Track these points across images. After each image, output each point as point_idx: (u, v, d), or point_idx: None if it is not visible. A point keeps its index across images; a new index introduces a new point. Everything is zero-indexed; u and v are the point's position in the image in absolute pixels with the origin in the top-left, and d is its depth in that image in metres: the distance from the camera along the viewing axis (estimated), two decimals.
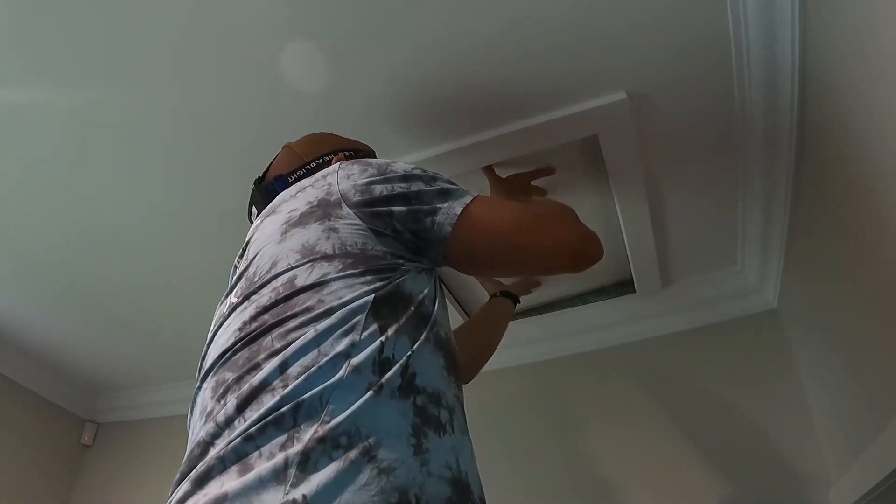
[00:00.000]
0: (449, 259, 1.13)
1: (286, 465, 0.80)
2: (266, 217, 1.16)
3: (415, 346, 0.97)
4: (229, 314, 1.04)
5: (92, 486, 3.01)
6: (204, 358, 1.05)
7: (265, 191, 1.34)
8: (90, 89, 1.60)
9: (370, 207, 1.07)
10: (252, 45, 1.47)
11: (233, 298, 1.08)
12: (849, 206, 1.41)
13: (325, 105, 1.59)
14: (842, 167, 1.39)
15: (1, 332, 2.70)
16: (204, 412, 0.95)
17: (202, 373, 1.02)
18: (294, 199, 1.13)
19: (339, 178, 1.12)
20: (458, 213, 1.09)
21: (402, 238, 1.08)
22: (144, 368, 2.92)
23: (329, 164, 1.35)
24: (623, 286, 2.16)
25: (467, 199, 1.11)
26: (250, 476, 0.80)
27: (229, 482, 0.80)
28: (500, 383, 2.29)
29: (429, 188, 1.11)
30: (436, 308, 1.08)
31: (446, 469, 0.90)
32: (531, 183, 1.75)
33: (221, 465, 0.83)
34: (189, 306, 2.41)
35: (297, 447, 0.82)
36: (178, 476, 0.89)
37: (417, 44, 1.45)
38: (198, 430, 0.94)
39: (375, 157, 1.45)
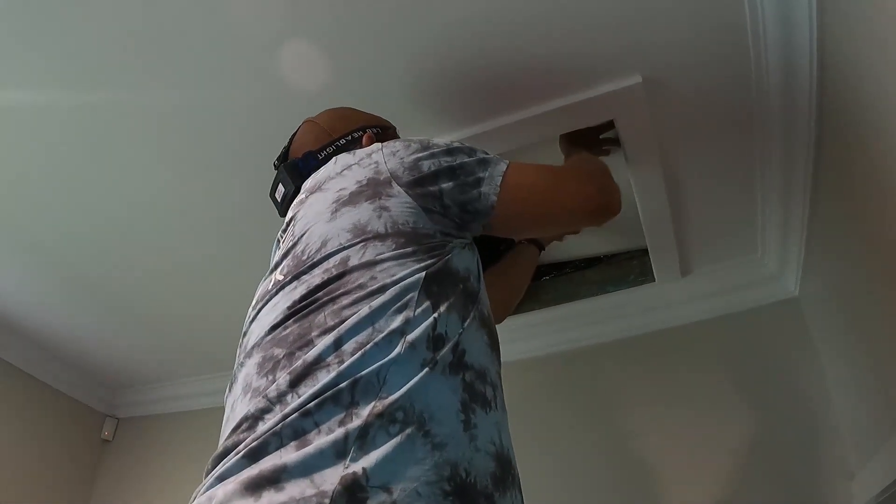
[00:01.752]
0: (492, 226, 1.17)
1: (346, 439, 0.82)
2: (311, 193, 1.16)
3: (465, 324, 1.00)
4: (276, 292, 1.05)
5: (113, 480, 3.03)
6: (246, 335, 1.07)
7: (294, 168, 1.34)
8: (99, 90, 1.63)
9: (421, 186, 1.09)
10: (258, 39, 1.48)
11: (279, 276, 1.08)
12: (870, 192, 1.39)
13: (339, 94, 1.58)
14: (862, 152, 1.37)
15: (22, 328, 2.73)
16: (248, 388, 0.96)
17: (246, 349, 1.03)
18: (341, 178, 1.14)
19: (385, 155, 1.14)
20: (500, 181, 1.13)
21: (450, 213, 1.11)
22: (164, 363, 2.93)
23: (360, 140, 1.36)
24: (642, 275, 2.15)
25: (503, 167, 1.15)
26: (309, 449, 0.82)
27: (287, 455, 0.82)
28: (520, 374, 2.27)
29: (471, 159, 1.15)
30: (481, 285, 1.11)
31: (490, 444, 0.93)
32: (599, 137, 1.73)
33: (278, 440, 0.85)
34: (208, 300, 2.44)
35: (356, 422, 0.84)
36: (219, 451, 0.89)
37: (430, 34, 1.45)
38: (242, 405, 0.95)
39: (398, 134, 1.46)
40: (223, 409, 2.79)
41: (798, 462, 1.85)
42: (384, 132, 1.40)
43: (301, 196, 1.20)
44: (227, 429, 0.95)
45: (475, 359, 0.99)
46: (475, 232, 1.17)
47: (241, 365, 1.02)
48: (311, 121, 1.43)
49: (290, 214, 1.20)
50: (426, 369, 0.91)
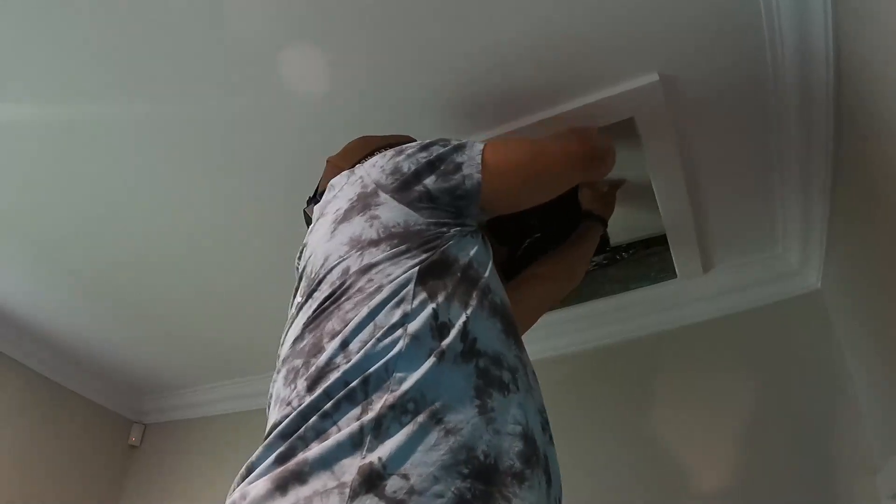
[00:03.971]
0: (487, 205, 1.19)
1: (361, 431, 0.86)
2: (317, 220, 1.22)
3: (469, 311, 1.03)
4: (297, 313, 1.11)
5: (141, 486, 3.06)
6: (279, 356, 1.11)
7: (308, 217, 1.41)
8: (116, 100, 1.66)
9: (406, 189, 1.13)
10: (271, 50, 1.51)
11: (298, 298, 1.15)
12: (890, 182, 1.38)
13: (355, 108, 1.64)
14: (881, 142, 1.37)
15: (49, 337, 2.76)
16: (278, 399, 1.01)
17: (277, 367, 1.08)
18: (336, 199, 1.20)
19: (367, 169, 1.19)
20: (479, 160, 1.17)
21: (441, 204, 1.14)
22: (190, 369, 2.96)
23: None
24: (664, 272, 2.15)
25: (480, 146, 1.20)
26: (329, 443, 0.86)
27: (309, 451, 0.86)
28: (542, 373, 2.25)
29: (446, 149, 1.19)
30: (487, 272, 1.13)
31: (515, 425, 0.97)
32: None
33: (303, 443, 0.89)
34: (232, 307, 2.47)
35: (370, 415, 0.88)
36: (252, 458, 0.92)
37: (448, 38, 1.46)
38: (273, 415, 1.00)
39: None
40: (249, 413, 2.82)
41: (822, 456, 1.84)
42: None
43: (312, 225, 1.26)
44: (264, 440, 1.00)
45: (488, 345, 1.03)
46: (475, 217, 1.20)
47: (274, 382, 1.07)
48: (329, 161, 1.47)
49: (304, 241, 1.26)
50: (434, 359, 0.95)
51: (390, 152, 1.20)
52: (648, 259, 2.13)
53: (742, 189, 1.86)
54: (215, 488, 2.79)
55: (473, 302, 1.05)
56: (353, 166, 1.36)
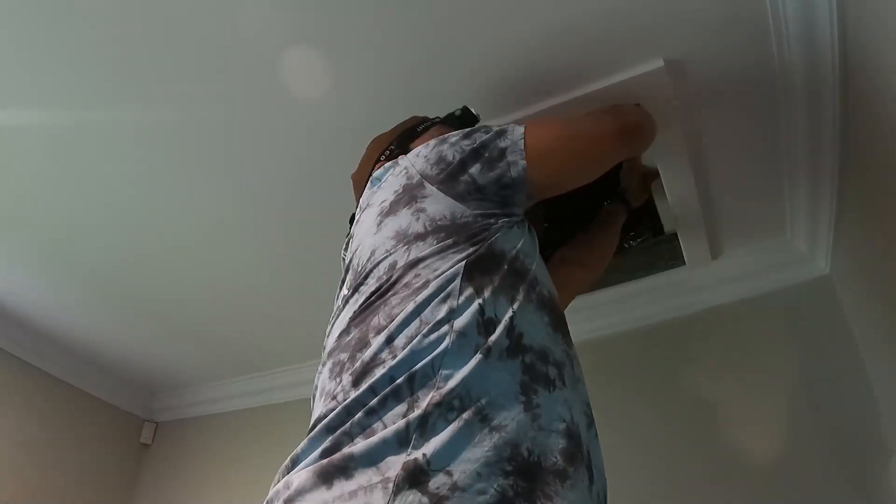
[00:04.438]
0: (534, 190, 1.18)
1: (407, 429, 0.87)
2: (363, 211, 1.22)
3: (515, 306, 1.02)
4: (344, 305, 1.12)
5: (153, 485, 3.09)
6: (324, 348, 1.12)
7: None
8: (123, 108, 1.69)
9: (452, 179, 1.13)
10: (277, 55, 1.53)
11: (345, 291, 1.15)
12: None
13: (361, 106, 1.65)
14: (888, 124, 1.37)
15: (58, 337, 2.79)
16: (323, 392, 1.01)
17: (323, 360, 1.09)
18: (381, 191, 1.20)
19: (411, 160, 1.19)
20: (522, 145, 1.16)
21: (487, 193, 1.13)
22: (200, 366, 2.98)
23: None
24: (672, 259, 2.14)
25: (521, 130, 1.19)
26: (374, 439, 0.86)
27: (355, 446, 0.87)
28: None
29: (488, 135, 1.18)
30: (534, 265, 1.12)
31: (560, 422, 0.96)
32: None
33: (349, 439, 0.89)
34: (241, 304, 2.48)
35: (416, 412, 0.88)
36: (297, 450, 0.93)
37: (452, 35, 1.48)
38: (318, 407, 1.01)
39: (421, 120, 1.48)
40: (260, 409, 2.81)
41: (834, 440, 1.84)
42: (404, 141, 1.42)
43: (357, 216, 1.26)
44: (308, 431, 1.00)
45: (534, 340, 1.01)
46: (522, 204, 1.18)
47: (319, 374, 1.07)
48: (352, 177, 1.47)
49: (350, 233, 1.27)
50: (480, 356, 0.94)
51: (433, 141, 1.19)
52: (657, 247, 2.13)
53: (749, 175, 1.86)
54: (228, 486, 2.82)
55: (520, 296, 1.04)
56: (373, 170, 1.36)
